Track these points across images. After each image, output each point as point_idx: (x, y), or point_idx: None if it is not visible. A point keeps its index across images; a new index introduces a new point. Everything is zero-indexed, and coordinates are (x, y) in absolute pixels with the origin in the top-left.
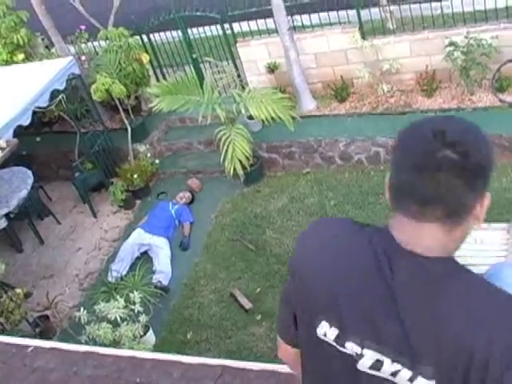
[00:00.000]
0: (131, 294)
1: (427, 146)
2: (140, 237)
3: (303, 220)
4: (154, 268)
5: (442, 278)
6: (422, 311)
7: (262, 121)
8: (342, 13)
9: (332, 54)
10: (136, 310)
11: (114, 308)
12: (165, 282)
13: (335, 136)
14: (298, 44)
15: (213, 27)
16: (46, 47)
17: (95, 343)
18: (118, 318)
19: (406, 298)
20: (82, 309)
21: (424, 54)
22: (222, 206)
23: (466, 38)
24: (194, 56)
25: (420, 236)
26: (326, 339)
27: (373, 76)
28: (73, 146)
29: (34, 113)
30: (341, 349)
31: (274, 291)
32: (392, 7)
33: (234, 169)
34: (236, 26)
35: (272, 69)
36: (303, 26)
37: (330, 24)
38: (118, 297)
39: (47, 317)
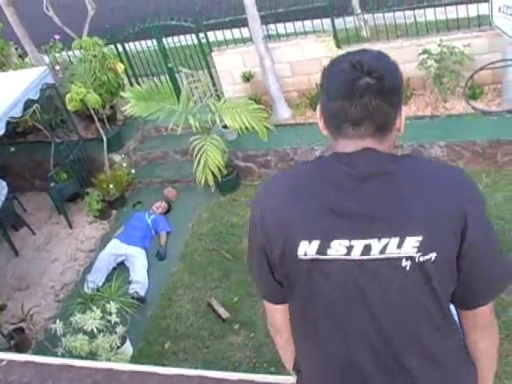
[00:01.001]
0: (108, 305)
1: (349, 76)
2: (116, 247)
3: None
4: (130, 278)
5: (392, 161)
6: (387, 192)
7: (238, 130)
8: (317, 21)
9: (307, 63)
10: (113, 321)
11: (91, 319)
12: (141, 293)
13: (311, 144)
14: (273, 53)
15: (188, 36)
16: (20, 57)
17: (71, 355)
18: (95, 330)
19: (370, 186)
20: (57, 320)
21: (398, 61)
22: (198, 215)
23: (439, 46)
24: (170, 65)
25: (360, 146)
26: (306, 257)
27: None
28: (48, 156)
29: (8, 123)
30: (323, 257)
31: (252, 300)
32: (366, 16)
33: (206, 179)
34: (211, 35)
35: (247, 77)
36: (278, 35)
37: (305, 33)
38: (94, 308)
39: (22, 329)
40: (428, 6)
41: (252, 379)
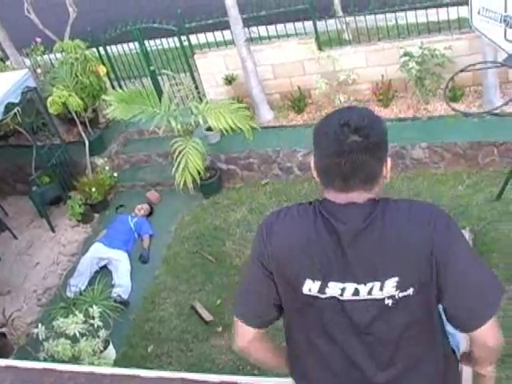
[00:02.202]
0: (90, 309)
1: (338, 136)
2: (98, 251)
3: None
4: (113, 282)
5: (375, 215)
6: (372, 237)
7: (222, 132)
8: (299, 24)
9: (289, 65)
10: (95, 325)
11: (73, 323)
12: (124, 296)
13: (293, 146)
14: (255, 55)
15: (170, 39)
16: (1, 60)
17: (54, 360)
18: (77, 334)
19: (357, 241)
20: (40, 325)
21: (380, 64)
22: (181, 218)
23: (421, 48)
24: (152, 68)
25: (349, 199)
26: (310, 293)
27: (330, 86)
28: (29, 160)
29: None
30: (323, 296)
31: (235, 303)
32: (348, 18)
33: (185, 182)
34: (193, 38)
35: (229, 80)
36: (260, 38)
37: (287, 35)
38: (76, 312)
39: (4, 334)
40: (409, 9)
41: (234, 381)
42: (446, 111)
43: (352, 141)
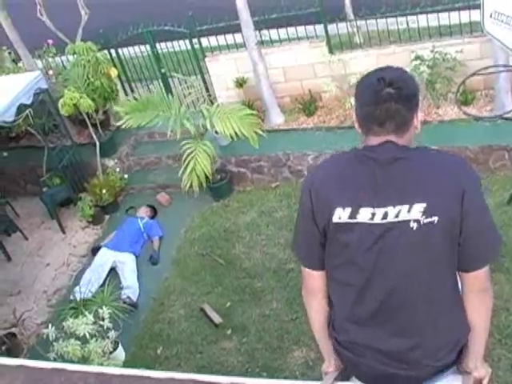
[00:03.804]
0: (100, 310)
1: (375, 88)
2: (103, 258)
3: (272, 234)
4: (121, 284)
5: (406, 150)
6: (402, 174)
7: (228, 137)
8: (310, 27)
9: (300, 68)
10: (105, 326)
11: (83, 324)
12: (133, 298)
13: (304, 150)
14: (266, 58)
15: (181, 42)
16: (13, 61)
17: (63, 360)
18: (87, 335)
19: (388, 168)
20: (50, 325)
21: None
22: (191, 220)
23: (432, 52)
24: (163, 71)
25: (385, 140)
26: (340, 221)
27: (340, 90)
28: (40, 161)
29: (1, 127)
30: (352, 221)
31: (244, 305)
32: (359, 22)
33: (191, 184)
34: (204, 41)
35: (240, 83)
36: (271, 41)
37: (298, 38)
38: (86, 313)
39: (14, 334)
40: (421, 13)
41: (244, 382)
42: (457, 115)
43: (386, 92)
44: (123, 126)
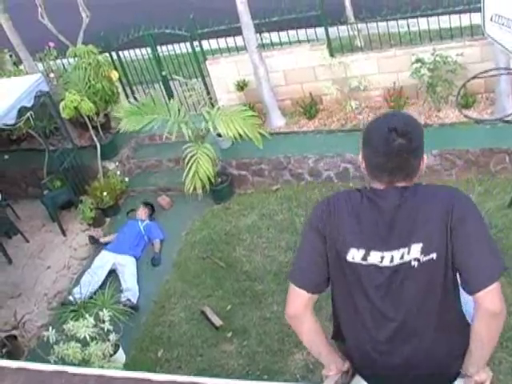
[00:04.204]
0: (101, 313)
1: (387, 138)
2: (102, 260)
3: (273, 237)
4: (121, 287)
5: (408, 195)
6: (405, 211)
7: (232, 138)
8: (311, 30)
9: (300, 71)
10: (106, 329)
11: (84, 327)
12: (134, 300)
13: (304, 153)
14: (267, 61)
15: (182, 45)
16: (15, 64)
17: (64, 363)
18: (88, 337)
19: (393, 215)
20: (50, 328)
21: (391, 70)
22: (191, 223)
23: (433, 55)
24: (164, 73)
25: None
26: (353, 261)
27: (341, 93)
28: (41, 164)
29: (2, 130)
30: (365, 262)
31: (245, 308)
32: (360, 25)
33: (194, 187)
34: (205, 44)
35: (241, 86)
36: (272, 44)
37: (299, 41)
38: (87, 315)
39: (15, 337)
40: (421, 16)
41: None
42: (458, 118)
43: (398, 143)
44: (122, 131)
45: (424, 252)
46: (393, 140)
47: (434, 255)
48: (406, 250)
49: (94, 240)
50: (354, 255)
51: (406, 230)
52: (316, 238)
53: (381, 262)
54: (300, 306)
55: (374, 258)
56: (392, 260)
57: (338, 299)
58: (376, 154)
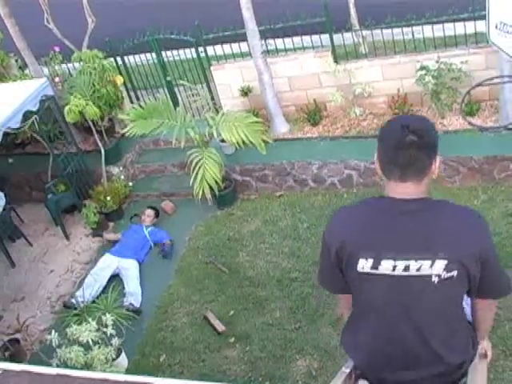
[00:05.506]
0: (103, 317)
1: (399, 134)
2: (105, 263)
3: (276, 242)
4: (124, 291)
5: (426, 207)
6: (423, 226)
7: (235, 144)
8: (315, 37)
9: (305, 78)
10: (108, 333)
11: (86, 331)
12: (136, 304)
13: (308, 159)
14: (272, 67)
15: (187, 50)
16: (20, 68)
17: (66, 366)
18: (90, 341)
19: (409, 225)
20: (53, 332)
21: (396, 77)
22: (195, 228)
23: (437, 62)
24: (168, 79)
25: (405, 189)
26: (363, 271)
27: (345, 99)
28: (46, 168)
29: (7, 134)
30: (375, 271)
31: (248, 314)
32: (364, 32)
33: (203, 192)
34: (210, 50)
35: (246, 92)
36: (277, 50)
37: (303, 48)
38: (90, 319)
39: (18, 340)
40: (426, 23)
41: None
42: (462, 125)
43: (410, 139)
44: (127, 134)
45: (447, 269)
46: (405, 136)
47: (454, 273)
48: (428, 263)
49: (96, 233)
50: (364, 265)
51: (428, 240)
52: (329, 252)
53: (393, 270)
54: (342, 303)
55: (385, 266)
56: (406, 269)
57: (353, 310)
58: (388, 149)
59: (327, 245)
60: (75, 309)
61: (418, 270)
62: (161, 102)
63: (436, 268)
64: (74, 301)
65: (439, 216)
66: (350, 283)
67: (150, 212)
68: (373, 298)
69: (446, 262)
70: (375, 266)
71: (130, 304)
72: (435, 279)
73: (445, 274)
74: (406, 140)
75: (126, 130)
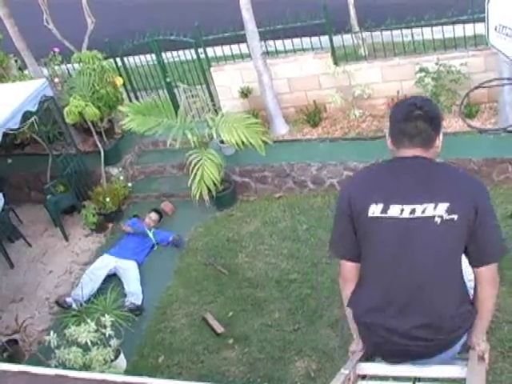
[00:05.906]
0: (102, 318)
1: (408, 109)
2: (102, 262)
3: (275, 244)
4: (124, 291)
5: (431, 163)
6: (427, 178)
7: (234, 145)
8: (315, 39)
9: (305, 79)
10: (107, 334)
11: (85, 332)
12: (138, 302)
13: (307, 160)
14: (272, 69)
15: (187, 51)
16: (19, 69)
17: (65, 367)
18: (89, 342)
19: (416, 175)
20: (51, 332)
21: (395, 79)
22: (194, 229)
23: (436, 64)
24: (168, 80)
25: (414, 153)
26: (373, 215)
27: (345, 101)
28: (45, 169)
29: (6, 134)
30: (384, 215)
31: (246, 315)
32: (364, 34)
33: (201, 193)
34: (210, 51)
35: (245, 93)
36: (276, 52)
37: (303, 49)
38: (88, 320)
39: (16, 341)
40: (425, 25)
41: None
42: (461, 127)
43: (417, 113)
44: (124, 127)
45: (448, 211)
46: (412, 111)
47: (455, 216)
48: (431, 206)
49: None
50: (374, 210)
51: (432, 188)
52: (344, 224)
53: (400, 213)
54: (347, 272)
55: (394, 210)
56: (413, 212)
57: (365, 263)
58: (398, 122)
59: (342, 200)
60: (68, 307)
61: (423, 212)
62: (161, 101)
63: (438, 209)
64: (67, 299)
65: (442, 170)
66: (361, 233)
67: (154, 216)
68: (381, 243)
69: (447, 204)
70: (385, 210)
71: (131, 303)
72: (438, 220)
73: (446, 216)
74: (414, 114)
75: (123, 122)
